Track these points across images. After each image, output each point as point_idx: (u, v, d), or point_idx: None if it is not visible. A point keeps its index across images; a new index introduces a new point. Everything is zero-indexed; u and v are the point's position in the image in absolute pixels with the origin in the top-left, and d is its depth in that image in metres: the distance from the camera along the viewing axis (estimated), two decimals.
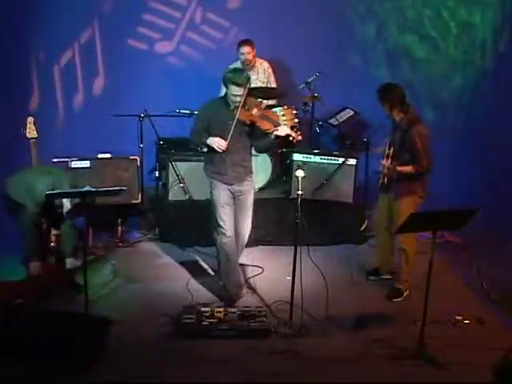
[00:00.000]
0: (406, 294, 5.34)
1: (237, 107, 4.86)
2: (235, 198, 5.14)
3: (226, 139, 4.83)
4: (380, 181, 5.28)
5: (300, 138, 4.96)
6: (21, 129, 5.19)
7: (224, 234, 5.04)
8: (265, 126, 4.87)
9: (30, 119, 5.37)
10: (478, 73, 7.46)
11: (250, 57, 6.73)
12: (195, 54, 7.63)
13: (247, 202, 5.16)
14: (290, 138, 4.92)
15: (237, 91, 4.83)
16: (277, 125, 4.87)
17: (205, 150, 5.10)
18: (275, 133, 4.88)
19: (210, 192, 5.14)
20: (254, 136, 5.02)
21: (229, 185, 5.07)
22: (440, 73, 7.60)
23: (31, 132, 5.32)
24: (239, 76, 4.84)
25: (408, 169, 5.06)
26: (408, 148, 5.05)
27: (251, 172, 5.20)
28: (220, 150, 4.84)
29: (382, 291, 5.39)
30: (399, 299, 5.32)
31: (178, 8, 7.57)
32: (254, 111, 4.96)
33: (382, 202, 5.40)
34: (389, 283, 5.46)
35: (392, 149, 5.11)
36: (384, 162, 5.14)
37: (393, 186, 5.22)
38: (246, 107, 4.92)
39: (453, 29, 7.49)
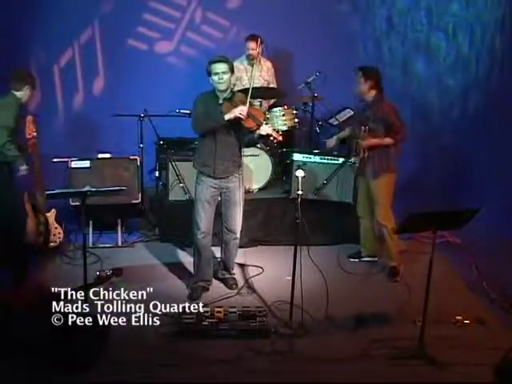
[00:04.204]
0: (402, 270, 5.58)
1: (229, 95, 4.99)
2: (222, 194, 5.17)
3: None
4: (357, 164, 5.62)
5: (280, 138, 5.05)
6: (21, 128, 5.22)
7: (199, 229, 5.16)
8: (248, 123, 4.90)
9: (30, 118, 5.38)
10: None
11: (254, 53, 6.76)
12: (195, 53, 7.63)
13: (235, 197, 5.17)
14: (271, 138, 4.97)
15: (221, 67, 4.90)
16: (259, 124, 4.90)
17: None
18: (257, 131, 4.91)
19: (195, 185, 5.19)
20: (238, 130, 5.03)
21: (215, 179, 5.08)
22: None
23: (31, 131, 5.32)
24: (218, 56, 5.00)
25: (388, 140, 5.37)
26: (382, 122, 5.35)
27: (240, 167, 5.20)
28: (242, 116, 4.84)
29: (382, 291, 5.40)
30: (398, 278, 5.53)
31: (178, 8, 7.58)
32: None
33: (362, 186, 5.68)
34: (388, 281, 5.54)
35: (366, 128, 5.36)
36: (363, 142, 5.42)
37: (369, 166, 5.49)
38: (233, 103, 4.94)
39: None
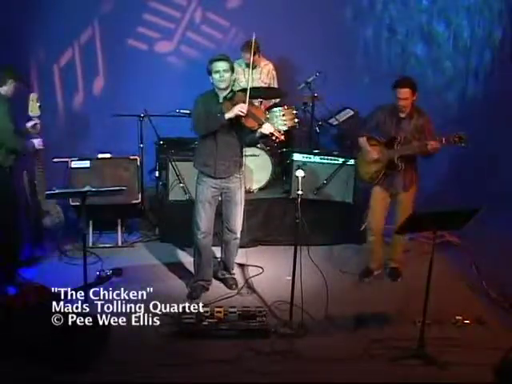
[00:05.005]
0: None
1: (231, 92, 4.99)
2: (223, 194, 5.17)
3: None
4: (376, 175, 5.35)
5: (282, 137, 5.02)
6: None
7: (199, 229, 5.16)
8: (249, 123, 4.89)
9: (33, 96, 5.31)
10: None
11: (249, 62, 6.74)
12: (195, 53, 7.64)
13: (236, 197, 5.16)
14: (273, 137, 4.95)
15: (223, 66, 4.89)
16: (261, 123, 4.89)
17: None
18: (259, 130, 4.90)
19: (196, 185, 5.19)
20: (240, 130, 5.02)
21: (216, 179, 5.08)
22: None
23: (34, 109, 5.27)
24: (219, 54, 5.02)
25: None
26: (421, 133, 5.17)
27: (241, 167, 5.20)
28: (242, 114, 4.82)
29: (382, 291, 5.39)
30: (399, 279, 5.54)
31: (178, 8, 7.59)
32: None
33: (382, 199, 5.43)
34: (388, 281, 5.55)
35: (401, 139, 5.19)
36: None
37: (399, 179, 5.30)
38: (234, 103, 4.93)
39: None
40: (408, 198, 5.35)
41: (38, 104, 5.35)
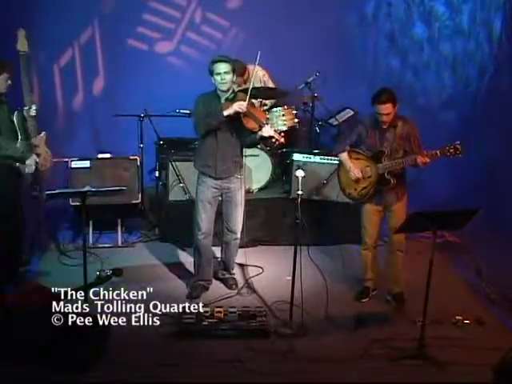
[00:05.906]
0: None
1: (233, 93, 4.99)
2: (223, 194, 5.17)
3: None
4: (366, 191, 5.12)
5: (282, 140, 4.98)
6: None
7: (200, 230, 5.17)
8: (249, 124, 4.89)
9: (22, 31, 5.18)
10: None
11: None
12: (195, 53, 7.64)
13: (236, 198, 5.17)
14: (273, 140, 4.93)
15: (224, 68, 4.90)
16: (261, 125, 4.88)
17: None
18: (259, 133, 4.89)
19: (197, 186, 5.19)
20: (240, 131, 5.02)
21: (217, 179, 5.08)
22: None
23: (23, 45, 5.17)
24: (221, 56, 5.03)
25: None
26: (408, 140, 4.98)
27: (241, 167, 5.20)
28: (241, 111, 4.83)
29: (382, 291, 5.39)
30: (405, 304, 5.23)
31: (178, 8, 7.59)
32: None
33: (374, 215, 5.18)
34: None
35: (389, 151, 5.02)
36: (388, 164, 4.99)
37: (390, 192, 5.09)
38: (234, 102, 4.93)
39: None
40: (401, 207, 5.12)
41: (28, 39, 5.17)
